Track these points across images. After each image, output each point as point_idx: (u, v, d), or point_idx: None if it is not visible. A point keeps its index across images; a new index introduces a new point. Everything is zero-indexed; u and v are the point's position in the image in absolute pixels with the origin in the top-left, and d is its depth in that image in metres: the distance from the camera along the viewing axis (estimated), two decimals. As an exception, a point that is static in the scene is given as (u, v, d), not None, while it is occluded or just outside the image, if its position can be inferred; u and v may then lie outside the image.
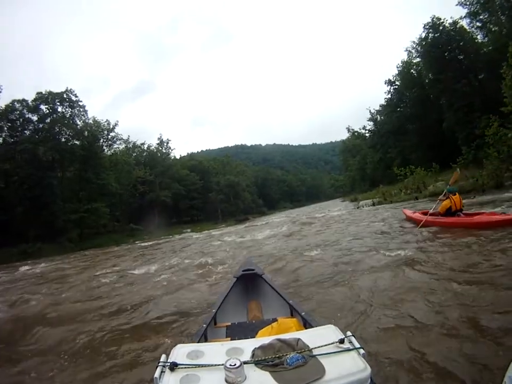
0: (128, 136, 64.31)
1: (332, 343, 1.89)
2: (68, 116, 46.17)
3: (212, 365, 1.77)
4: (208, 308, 5.21)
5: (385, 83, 52.77)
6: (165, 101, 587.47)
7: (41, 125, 44.00)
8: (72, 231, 39.36)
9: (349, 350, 1.86)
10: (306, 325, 3.08)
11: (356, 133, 73.23)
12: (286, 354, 1.77)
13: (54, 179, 41.87)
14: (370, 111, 61.43)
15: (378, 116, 60.68)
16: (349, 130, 75.20)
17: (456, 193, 10.33)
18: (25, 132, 43.09)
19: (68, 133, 46.19)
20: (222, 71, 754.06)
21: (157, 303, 6.59)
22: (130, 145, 64.19)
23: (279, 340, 1.95)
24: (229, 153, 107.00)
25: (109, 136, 54.79)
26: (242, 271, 4.84)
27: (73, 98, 46.16)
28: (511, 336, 3.34)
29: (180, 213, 66.14)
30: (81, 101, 47.01)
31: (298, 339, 1.94)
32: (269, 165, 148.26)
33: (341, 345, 1.89)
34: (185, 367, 1.79)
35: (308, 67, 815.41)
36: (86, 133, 47.24)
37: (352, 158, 70.69)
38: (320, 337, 1.97)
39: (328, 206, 49.02)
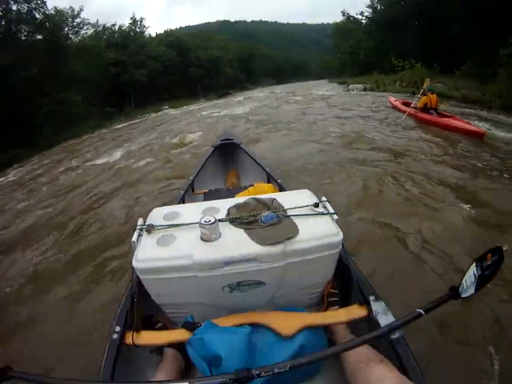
0: (97, 19, 58.93)
1: (306, 206, 1.95)
2: (24, 12, 40.68)
3: (187, 224, 1.84)
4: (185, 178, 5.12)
5: None
6: None
7: None
8: (44, 128, 36.03)
9: (322, 214, 1.93)
10: (282, 190, 3.26)
11: (351, 18, 68.58)
12: (261, 213, 1.83)
13: (16, 80, 37.51)
14: (368, -4, 55.32)
15: (378, 5, 55.07)
16: (343, 14, 70.35)
17: (434, 93, 12.01)
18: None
19: (26, 29, 41.09)
20: None
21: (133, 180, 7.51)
22: (100, 29, 58.96)
23: (254, 198, 2.02)
24: (210, 30, 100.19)
25: (74, 23, 49.66)
26: (221, 140, 4.96)
27: None
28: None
29: (158, 91, 61.88)
30: None
31: (274, 199, 2.02)
32: (255, 41, 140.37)
33: (315, 208, 1.96)
34: (161, 228, 1.86)
35: None
36: (47, 25, 42.35)
37: (345, 41, 65.95)
38: (295, 199, 2.04)
39: (315, 86, 47.89)
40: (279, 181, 3.58)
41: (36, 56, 40.63)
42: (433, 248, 3.87)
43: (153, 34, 73.72)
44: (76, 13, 49.46)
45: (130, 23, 64.03)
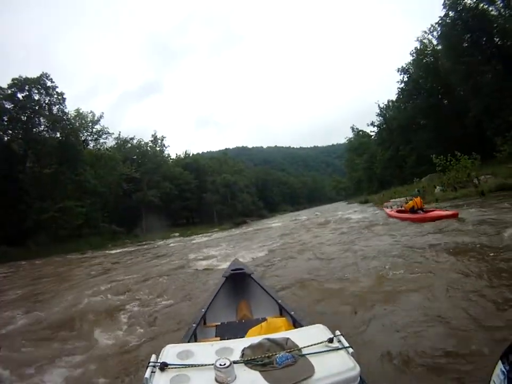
0: (119, 132, 61.01)
1: (321, 342, 1.89)
2: (44, 104, 41.29)
3: (202, 365, 1.78)
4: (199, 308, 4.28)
5: (397, 71, 47.86)
6: (170, 101, 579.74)
7: (16, 115, 39.22)
8: (41, 233, 34.46)
9: (338, 349, 1.87)
10: (296, 324, 3.08)
11: (360, 132, 70.02)
12: (276, 354, 1.78)
13: (22, 174, 37.56)
14: (379, 105, 56.76)
15: (386, 112, 55.92)
16: (353, 129, 72.30)
17: (418, 196, 14.60)
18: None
19: (42, 122, 41.60)
20: (227, 73, 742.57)
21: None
22: (121, 142, 60.04)
23: (268, 339, 1.95)
24: (230, 155, 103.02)
25: (93, 130, 50.80)
26: (231, 270, 4.94)
27: (49, 84, 41.14)
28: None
29: (173, 215, 61.37)
30: (57, 87, 42.00)
31: (288, 338, 1.94)
32: (270, 167, 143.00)
33: (330, 344, 1.89)
34: (175, 367, 1.79)
35: (310, 69, 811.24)
36: (63, 123, 42.35)
37: (358, 157, 65.92)
38: (309, 336, 1.98)
39: (335, 209, 44.39)
40: (292, 313, 3.32)
41: (47, 154, 40.26)
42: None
43: (173, 155, 74.58)
44: (95, 118, 50.30)
45: (151, 140, 64.48)
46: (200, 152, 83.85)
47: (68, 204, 37.03)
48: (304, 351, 1.81)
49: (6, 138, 38.70)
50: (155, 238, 39.36)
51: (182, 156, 75.87)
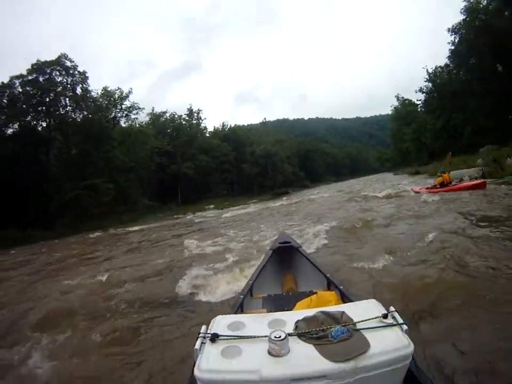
0: (153, 107, 60.82)
1: (375, 318, 1.88)
2: (66, 84, 40.80)
3: (254, 337, 1.77)
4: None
5: (448, 31, 42.76)
6: (210, 78, 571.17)
7: (39, 98, 38.82)
8: (67, 214, 33.88)
9: (392, 325, 1.86)
10: (344, 298, 3.04)
11: (406, 101, 66.40)
12: (331, 327, 1.77)
13: (46, 156, 37.45)
14: (427, 70, 51.62)
15: (436, 78, 51.07)
16: (398, 98, 68.67)
17: (446, 172, 16.87)
18: (25, 106, 37.88)
19: (67, 103, 41.00)
20: (265, 47, 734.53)
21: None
22: (155, 117, 59.38)
23: (323, 312, 1.93)
24: (270, 128, 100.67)
25: (123, 106, 49.42)
26: (279, 243, 4.88)
27: (68, 64, 40.19)
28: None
29: (212, 187, 59.91)
30: (77, 66, 41.00)
31: (343, 312, 1.93)
32: (312, 139, 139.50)
33: (384, 320, 1.88)
34: (226, 339, 1.79)
35: (350, 37, 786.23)
36: (87, 102, 41.71)
37: (406, 127, 61.63)
38: (363, 311, 1.96)
39: (385, 180, 41.44)
40: (341, 287, 3.27)
41: (72, 134, 40.02)
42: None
43: (211, 129, 73.22)
44: (124, 95, 49.07)
45: (187, 114, 63.36)
46: (240, 125, 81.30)
47: (95, 182, 35.94)
48: (359, 326, 1.79)
49: (32, 122, 38.43)
50: (189, 211, 38.37)
51: (220, 128, 74.18)
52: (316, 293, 2.90)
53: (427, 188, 17.30)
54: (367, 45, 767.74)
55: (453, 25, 42.36)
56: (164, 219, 33.84)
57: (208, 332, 1.83)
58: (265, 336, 1.66)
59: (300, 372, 1.55)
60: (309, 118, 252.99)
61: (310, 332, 1.74)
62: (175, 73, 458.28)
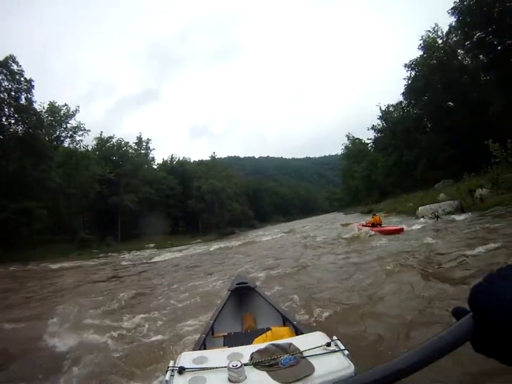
0: (101, 131, 56.80)
1: (319, 346, 2.06)
2: (11, 91, 37.30)
3: (216, 367, 1.92)
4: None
5: (405, 67, 42.99)
6: (166, 109, 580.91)
7: None
8: None
9: (335, 351, 2.02)
10: (298, 332, 3.28)
11: (357, 140, 66.89)
12: (280, 356, 1.94)
13: None
14: (380, 108, 51.92)
15: (388, 115, 51.20)
16: (349, 137, 69.36)
17: (377, 214, 19.42)
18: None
19: (9, 113, 37.53)
20: (223, 83, 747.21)
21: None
22: (102, 142, 55.73)
23: (273, 344, 2.14)
24: (222, 164, 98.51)
25: (68, 125, 46.65)
26: (236, 284, 5.08)
27: (15, 68, 36.73)
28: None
29: (155, 223, 55.91)
30: (23, 71, 37.49)
31: (291, 343, 2.14)
32: (262, 177, 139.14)
33: (328, 347, 2.07)
34: (192, 370, 1.95)
35: (304, 80, 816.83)
36: (29, 114, 38.14)
37: (356, 165, 61.88)
38: (309, 341, 2.16)
39: (334, 220, 39.24)
40: (294, 322, 3.55)
41: (11, 148, 36.29)
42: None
43: (160, 160, 70.83)
44: (70, 112, 46.15)
45: (135, 142, 60.93)
46: (191, 159, 78.61)
47: (29, 205, 32.49)
48: (305, 354, 1.95)
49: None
50: (127, 249, 35.53)
51: (168, 160, 71.74)
52: (270, 329, 3.14)
53: (363, 225, 18.85)
54: (318, 88, 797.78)
55: (410, 61, 42.82)
56: (96, 256, 31.64)
57: (176, 365, 1.97)
58: (225, 367, 1.78)
59: None
60: (260, 157, 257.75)
61: (263, 361, 1.90)
62: (133, 100, 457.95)
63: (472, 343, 0.61)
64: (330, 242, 15.98)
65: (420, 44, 40.90)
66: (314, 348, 1.99)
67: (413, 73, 42.90)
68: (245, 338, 3.32)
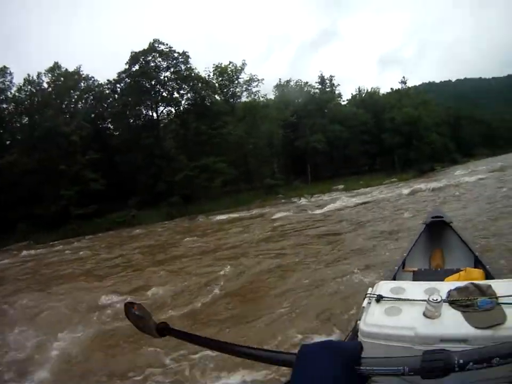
0: (279, 79, 58.65)
1: None
2: (169, 67, 42.04)
3: (414, 300, 1.97)
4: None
5: None
6: (349, 45, 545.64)
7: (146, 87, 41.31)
8: (175, 194, 33.33)
9: None
10: (489, 277, 3.10)
11: None
12: (477, 298, 1.90)
13: (149, 138, 37.54)
14: None
15: None
16: None
17: None
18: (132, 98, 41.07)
19: (169, 85, 42.48)
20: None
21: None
22: (281, 87, 56.23)
23: (472, 283, 2.09)
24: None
25: (239, 80, 48.03)
26: (431, 218, 5.06)
27: (162, 47, 41.52)
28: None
29: (349, 162, 54.56)
30: (172, 47, 41.94)
31: (489, 285, 2.06)
32: (462, 103, 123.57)
33: None
34: (389, 300, 2.04)
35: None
36: (191, 81, 41.76)
37: None
38: (507, 288, 2.04)
39: None
40: (487, 266, 3.36)
41: (183, 113, 41.28)
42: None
43: (349, 96, 67.71)
44: (238, 68, 47.50)
45: (318, 82, 59.04)
46: (382, 92, 72.36)
47: (206, 161, 34.83)
48: (501, 300, 1.89)
49: (144, 110, 41.71)
50: (312, 192, 35.02)
51: (356, 94, 67.21)
52: (463, 270, 3.08)
53: None
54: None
55: None
56: (273, 203, 31.39)
57: (373, 293, 2.09)
58: (423, 300, 1.81)
59: (448, 333, 1.72)
60: (457, 80, 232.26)
61: (460, 300, 1.88)
62: (313, 45, 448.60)
63: None
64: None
65: None
66: (511, 296, 1.88)
67: None
68: (434, 276, 3.34)
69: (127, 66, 40.48)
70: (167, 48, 41.00)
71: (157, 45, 40.59)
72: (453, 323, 1.77)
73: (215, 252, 11.16)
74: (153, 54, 40.40)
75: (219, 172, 35.25)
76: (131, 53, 40.21)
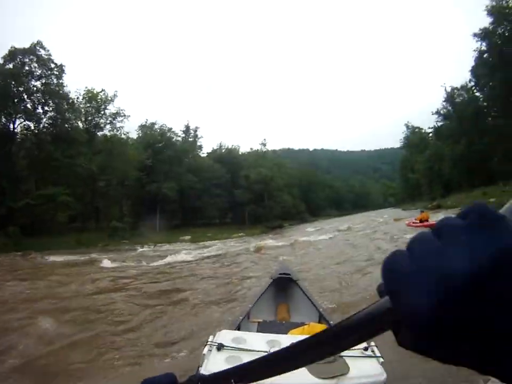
0: (146, 119, 57.55)
1: (357, 349, 2.15)
2: (41, 77, 38.17)
3: (255, 351, 2.07)
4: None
5: (473, 36, 37.22)
6: (218, 101, 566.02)
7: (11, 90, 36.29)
8: (13, 224, 29.75)
9: (370, 356, 2.15)
10: None
11: (416, 129, 62.87)
12: None
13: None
14: (445, 89, 46.67)
15: (456, 97, 45.69)
16: (408, 126, 64.78)
17: (424, 211, 23.34)
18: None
19: (41, 99, 38.39)
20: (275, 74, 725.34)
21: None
22: (146, 129, 55.49)
23: None
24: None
25: (107, 112, 45.23)
26: (279, 274, 5.22)
27: (43, 53, 37.64)
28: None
29: (200, 213, 55.33)
30: (51, 55, 38.41)
31: None
32: (315, 170, 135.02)
33: (365, 352, 2.18)
34: (230, 349, 2.12)
35: (361, 72, 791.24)
36: (59, 98, 38.44)
37: (418, 154, 56.46)
38: None
39: (401, 216, 33.74)
40: (331, 322, 3.61)
41: (38, 132, 37.37)
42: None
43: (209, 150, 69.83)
44: (108, 98, 44.99)
45: (183, 130, 60.11)
46: (242, 151, 76.15)
47: (53, 191, 31.66)
48: (343, 354, 2.00)
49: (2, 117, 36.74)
50: (156, 241, 33.18)
51: (216, 148, 69.61)
52: (307, 324, 3.22)
53: (413, 223, 21.24)
54: (376, 80, 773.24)
55: (480, 29, 36.98)
56: (116, 249, 28.85)
57: (215, 341, 2.14)
58: (264, 351, 1.83)
59: (292, 382, 1.69)
60: (314, 149, 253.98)
61: None
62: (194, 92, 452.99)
63: (394, 334, 0.38)
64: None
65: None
66: (352, 350, 1.98)
67: (484, 44, 36.98)
68: (279, 327, 3.55)
69: (1, 62, 36.43)
70: (47, 55, 37.59)
71: (38, 48, 37.10)
72: (296, 374, 1.43)
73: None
74: (31, 57, 36.88)
75: (65, 204, 32.80)
76: (11, 47, 36.39)
